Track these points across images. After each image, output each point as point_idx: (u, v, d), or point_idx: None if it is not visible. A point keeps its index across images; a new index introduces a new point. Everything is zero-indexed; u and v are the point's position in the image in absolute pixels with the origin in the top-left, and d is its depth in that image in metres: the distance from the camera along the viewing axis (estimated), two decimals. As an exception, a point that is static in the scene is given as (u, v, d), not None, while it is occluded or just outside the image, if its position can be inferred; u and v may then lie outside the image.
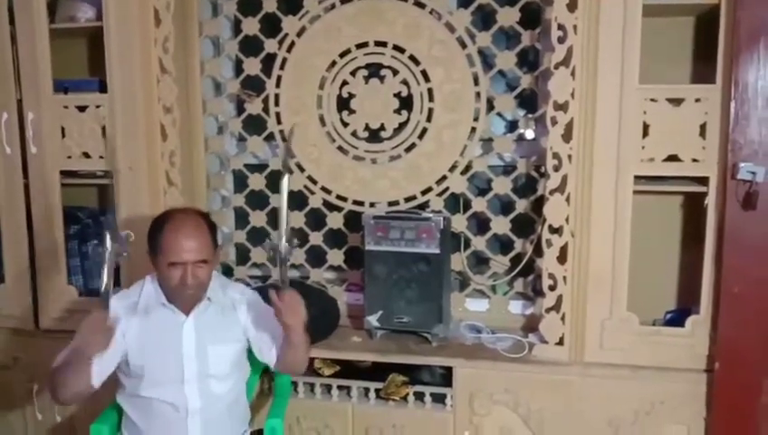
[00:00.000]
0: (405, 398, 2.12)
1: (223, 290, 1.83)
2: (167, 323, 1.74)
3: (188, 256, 1.67)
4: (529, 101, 2.29)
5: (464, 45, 2.21)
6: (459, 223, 2.29)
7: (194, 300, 1.74)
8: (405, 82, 2.27)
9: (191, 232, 1.68)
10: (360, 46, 2.28)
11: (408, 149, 2.30)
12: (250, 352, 1.85)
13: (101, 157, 2.23)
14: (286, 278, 1.68)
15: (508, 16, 2.17)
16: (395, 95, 2.28)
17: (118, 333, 1.69)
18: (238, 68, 2.46)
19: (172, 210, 1.80)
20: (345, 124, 2.34)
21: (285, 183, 1.67)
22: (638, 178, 1.92)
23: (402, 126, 2.30)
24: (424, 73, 2.25)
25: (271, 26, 2.36)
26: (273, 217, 2.45)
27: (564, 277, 1.99)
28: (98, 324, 1.58)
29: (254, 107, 2.40)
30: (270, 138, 2.41)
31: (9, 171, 2.28)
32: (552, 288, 2.01)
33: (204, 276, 1.71)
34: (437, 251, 2.10)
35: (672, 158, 1.90)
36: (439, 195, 2.30)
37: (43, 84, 2.22)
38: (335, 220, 2.39)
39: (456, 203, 2.34)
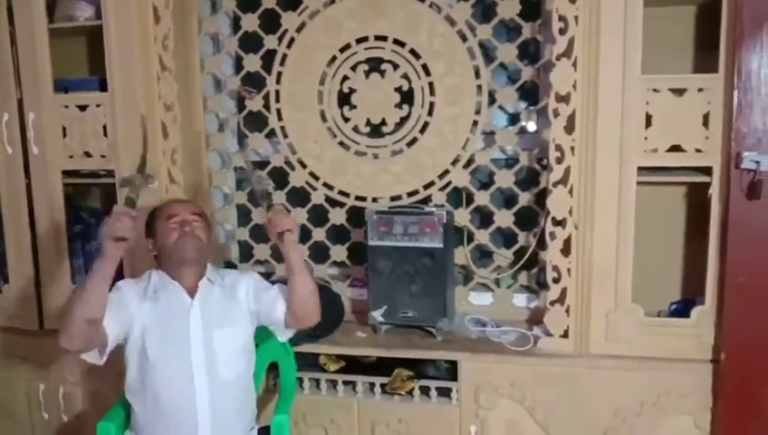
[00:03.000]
0: (410, 392, 2.12)
1: (221, 275, 1.87)
2: (175, 307, 1.75)
3: (184, 209, 1.81)
4: (530, 94, 2.28)
5: (464, 38, 2.20)
6: (462, 217, 2.29)
7: (195, 263, 1.78)
8: (406, 77, 2.26)
9: (184, 199, 1.94)
10: (360, 41, 2.27)
11: (410, 144, 2.30)
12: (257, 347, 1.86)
13: (103, 156, 2.22)
14: (272, 203, 1.78)
15: (509, 8, 2.16)
16: (396, 89, 2.27)
17: (127, 313, 1.71)
18: (238, 65, 2.45)
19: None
20: (346, 119, 2.33)
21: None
22: (641, 168, 1.91)
23: (403, 120, 2.29)
24: (425, 67, 2.24)
25: (270, 22, 2.35)
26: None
27: (568, 270, 1.99)
28: (120, 216, 1.60)
29: (254, 104, 2.40)
30: (271, 134, 2.40)
31: (11, 172, 2.28)
32: (557, 281, 2.01)
33: (200, 233, 1.80)
34: (441, 245, 2.10)
35: (675, 148, 1.89)
36: (442, 189, 2.30)
37: (44, 84, 2.21)
38: (338, 216, 2.39)
39: (458, 197, 2.33)
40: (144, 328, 1.73)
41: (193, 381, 1.72)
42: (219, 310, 1.79)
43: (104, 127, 2.21)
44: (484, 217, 2.35)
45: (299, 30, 2.31)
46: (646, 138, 1.90)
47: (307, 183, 2.39)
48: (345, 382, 2.17)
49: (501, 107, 2.31)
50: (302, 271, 1.76)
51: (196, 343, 1.74)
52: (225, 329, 1.78)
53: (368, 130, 2.33)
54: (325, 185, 2.38)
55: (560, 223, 1.99)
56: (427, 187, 2.30)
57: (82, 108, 2.22)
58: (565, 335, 2.02)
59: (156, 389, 1.72)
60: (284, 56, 2.33)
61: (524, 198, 2.25)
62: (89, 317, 1.59)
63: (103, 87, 2.21)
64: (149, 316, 1.74)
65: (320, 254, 2.45)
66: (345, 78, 2.30)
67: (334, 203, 2.39)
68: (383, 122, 2.30)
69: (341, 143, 2.35)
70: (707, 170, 1.89)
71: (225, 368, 1.76)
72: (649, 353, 1.96)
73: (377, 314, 2.18)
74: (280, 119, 2.37)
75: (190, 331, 1.74)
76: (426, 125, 2.27)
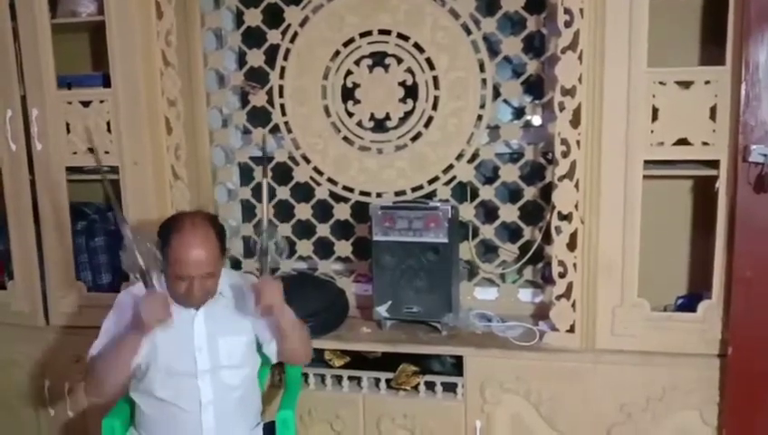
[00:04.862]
0: (416, 387, 2.11)
1: (238, 280, 1.85)
2: (177, 316, 1.73)
3: (196, 270, 1.66)
4: (535, 87, 2.27)
5: (468, 32, 2.19)
6: (467, 212, 2.28)
7: (201, 303, 1.75)
8: (410, 71, 2.25)
9: (199, 244, 1.66)
10: (363, 35, 2.26)
11: (414, 139, 2.29)
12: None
13: (107, 152, 2.22)
14: (266, 267, 1.74)
15: (513, 1, 2.14)
16: (400, 84, 2.26)
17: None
18: (241, 60, 2.45)
19: (181, 216, 1.75)
20: (350, 114, 2.32)
21: (265, 185, 1.80)
22: (647, 162, 1.90)
23: (408, 115, 2.28)
24: (429, 61, 2.23)
25: (273, 17, 2.34)
26: (280, 209, 2.44)
27: (574, 264, 1.98)
28: (156, 301, 1.62)
29: (258, 99, 2.39)
30: (275, 130, 2.40)
31: (15, 168, 2.28)
32: (562, 275, 2.00)
33: (211, 286, 1.73)
34: (445, 240, 2.09)
35: (682, 141, 1.88)
36: (446, 184, 2.29)
37: (47, 80, 2.21)
38: (342, 211, 2.38)
39: (463, 192, 2.33)
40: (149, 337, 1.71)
41: (197, 383, 1.73)
42: (224, 319, 1.77)
43: (108, 123, 2.20)
44: (489, 212, 2.34)
45: (302, 24, 2.30)
46: (652, 131, 1.88)
47: (311, 178, 2.38)
48: (350, 378, 2.17)
49: (506, 101, 2.30)
50: (292, 333, 1.75)
51: (200, 350, 1.74)
52: (231, 338, 1.77)
53: (372, 124, 2.31)
54: (329, 180, 2.37)
55: (565, 217, 1.98)
56: (431, 181, 2.30)
57: (86, 104, 2.21)
58: (571, 330, 2.01)
59: (160, 391, 1.73)
60: (288, 51, 2.32)
61: (530, 193, 2.24)
62: (120, 382, 1.70)
63: (107, 83, 2.20)
64: None
65: (324, 249, 2.45)
66: (349, 73, 2.29)
67: (338, 198, 2.38)
68: (387, 117, 2.29)
69: (345, 138, 2.34)
70: (714, 164, 1.88)
71: (230, 373, 1.77)
72: (655, 348, 1.95)
73: (381, 310, 2.17)
74: (284, 114, 2.36)
75: (194, 338, 1.74)
76: (430, 119, 2.26)
